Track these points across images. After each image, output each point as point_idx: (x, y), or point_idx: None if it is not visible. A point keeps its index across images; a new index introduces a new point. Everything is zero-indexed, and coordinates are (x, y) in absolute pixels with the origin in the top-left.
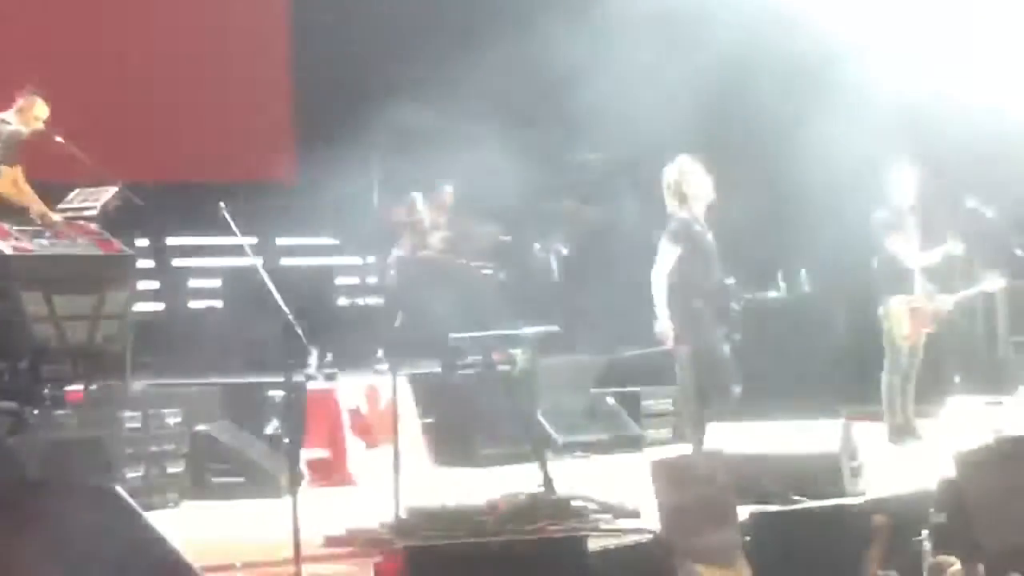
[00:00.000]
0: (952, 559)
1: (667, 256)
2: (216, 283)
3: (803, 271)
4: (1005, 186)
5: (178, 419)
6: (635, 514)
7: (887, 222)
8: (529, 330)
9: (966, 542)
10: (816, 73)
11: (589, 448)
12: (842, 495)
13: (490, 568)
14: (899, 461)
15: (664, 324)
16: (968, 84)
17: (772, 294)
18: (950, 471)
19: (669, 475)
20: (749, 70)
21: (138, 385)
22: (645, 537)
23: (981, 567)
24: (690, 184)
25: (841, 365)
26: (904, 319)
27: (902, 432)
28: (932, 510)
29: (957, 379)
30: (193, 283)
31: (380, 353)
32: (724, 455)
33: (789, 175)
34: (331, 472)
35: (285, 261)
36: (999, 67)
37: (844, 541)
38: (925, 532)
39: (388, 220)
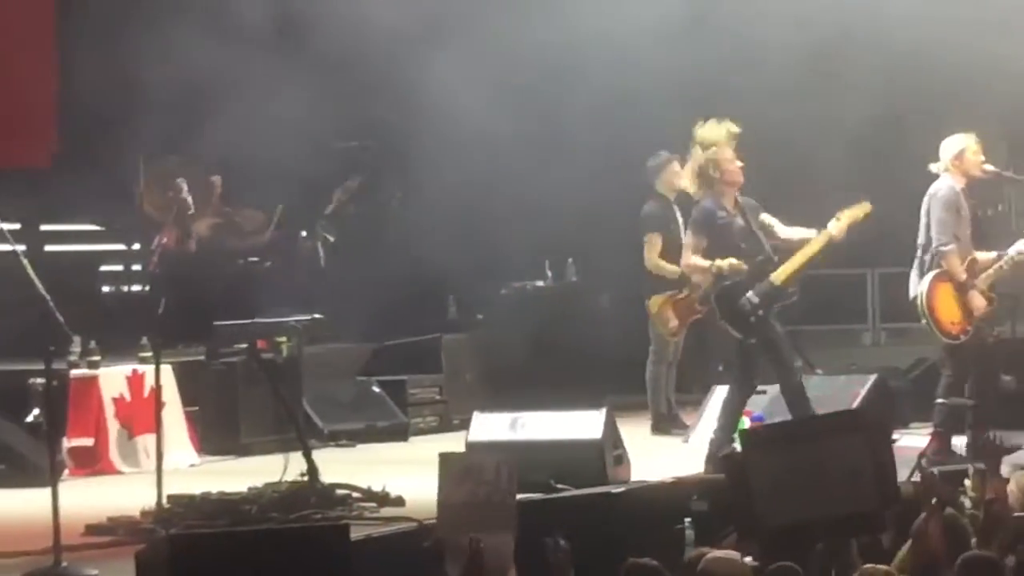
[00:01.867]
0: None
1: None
2: None
3: (570, 260)
4: (777, 174)
5: None
6: (399, 502)
7: (655, 216)
8: (294, 318)
9: (745, 518)
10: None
11: (354, 436)
12: (604, 483)
13: (252, 556)
14: (662, 449)
15: None
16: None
17: (539, 283)
18: (735, 449)
19: (456, 471)
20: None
21: None
22: (409, 526)
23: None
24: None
25: (606, 354)
26: (668, 314)
27: (665, 421)
28: (695, 498)
29: (721, 368)
30: None
31: (144, 340)
32: (512, 460)
33: (559, 165)
34: (93, 460)
35: (49, 248)
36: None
37: (607, 526)
38: (688, 520)
39: (154, 207)
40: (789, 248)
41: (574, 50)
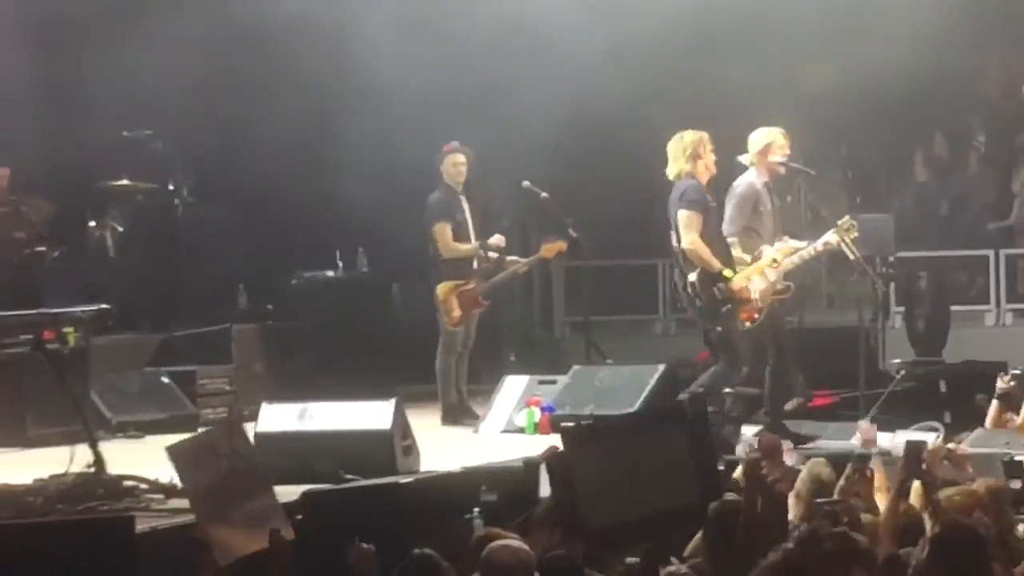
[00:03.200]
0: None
1: None
2: None
3: (361, 251)
4: (556, 167)
5: None
6: (186, 493)
7: (441, 204)
8: (81, 308)
9: (571, 519)
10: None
11: (143, 427)
12: (394, 473)
13: (36, 548)
14: (452, 440)
15: None
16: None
17: (329, 273)
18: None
19: (188, 457)
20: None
21: None
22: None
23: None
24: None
25: (397, 344)
26: (453, 303)
27: (456, 411)
28: (484, 488)
29: (512, 358)
30: None
31: None
32: (239, 427)
33: (350, 157)
34: None
35: None
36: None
37: (395, 517)
38: (476, 510)
39: None
40: None
41: (355, 41)
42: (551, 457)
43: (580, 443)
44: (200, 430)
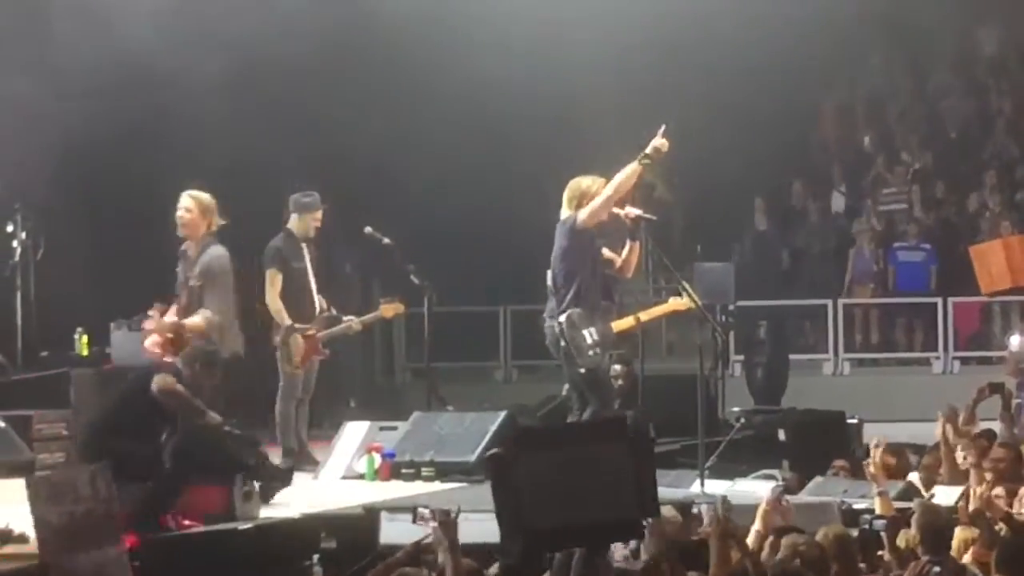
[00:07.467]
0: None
1: None
2: None
3: None
4: (401, 214)
5: None
6: (23, 539)
7: (276, 251)
8: None
9: (510, 518)
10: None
11: None
12: (233, 519)
13: None
14: (292, 486)
15: None
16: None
17: None
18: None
19: (48, 491)
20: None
21: None
22: (32, 563)
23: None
24: None
25: (238, 391)
26: (298, 346)
27: (296, 457)
28: (323, 534)
29: (353, 404)
30: None
31: None
32: (107, 470)
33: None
34: None
35: None
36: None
37: (234, 564)
38: (316, 557)
39: None
40: None
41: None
42: (495, 458)
43: (525, 447)
44: (66, 468)
